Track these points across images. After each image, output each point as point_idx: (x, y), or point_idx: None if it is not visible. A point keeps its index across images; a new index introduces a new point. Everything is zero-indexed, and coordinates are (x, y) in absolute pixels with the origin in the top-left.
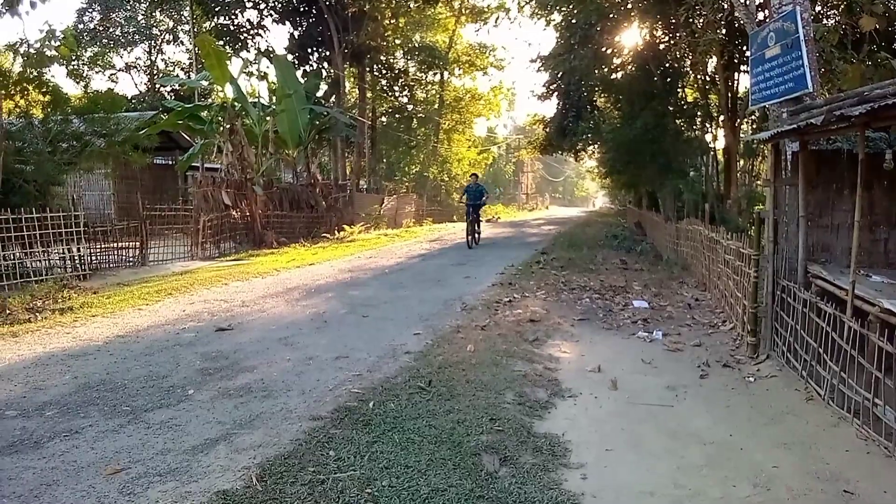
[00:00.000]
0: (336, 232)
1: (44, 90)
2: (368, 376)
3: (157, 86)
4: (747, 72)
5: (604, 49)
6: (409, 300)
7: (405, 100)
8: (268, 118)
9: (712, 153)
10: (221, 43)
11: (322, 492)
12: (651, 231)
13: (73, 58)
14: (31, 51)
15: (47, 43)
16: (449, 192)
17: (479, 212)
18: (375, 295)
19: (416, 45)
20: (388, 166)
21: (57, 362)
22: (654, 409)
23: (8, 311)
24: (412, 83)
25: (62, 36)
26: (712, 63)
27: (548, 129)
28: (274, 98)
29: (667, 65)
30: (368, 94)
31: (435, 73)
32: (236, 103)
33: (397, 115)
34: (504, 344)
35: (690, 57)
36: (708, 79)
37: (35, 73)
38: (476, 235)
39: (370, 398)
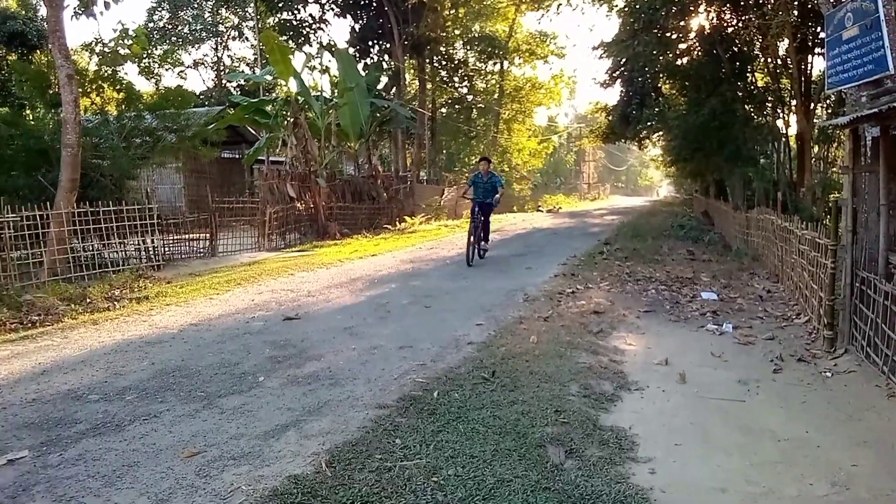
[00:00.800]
0: (397, 223)
1: (118, 87)
2: (432, 366)
3: (224, 81)
4: (822, 54)
5: (669, 34)
6: (470, 291)
7: (465, 90)
8: (330, 111)
9: (784, 139)
10: (285, 38)
11: (389, 479)
12: (719, 221)
13: (145, 55)
14: (106, 50)
15: (121, 42)
16: (509, 183)
17: (488, 214)
18: (437, 285)
19: (476, 34)
20: (448, 157)
21: (135, 349)
22: (724, 404)
23: (88, 300)
24: (472, 73)
25: (134, 35)
26: (784, 46)
27: (610, 117)
28: (336, 91)
29: (735, 49)
30: (428, 86)
31: (495, 63)
32: (300, 97)
33: (457, 106)
34: (568, 335)
35: (761, 40)
36: (779, 62)
37: (110, 71)
38: (480, 247)
39: (434, 388)
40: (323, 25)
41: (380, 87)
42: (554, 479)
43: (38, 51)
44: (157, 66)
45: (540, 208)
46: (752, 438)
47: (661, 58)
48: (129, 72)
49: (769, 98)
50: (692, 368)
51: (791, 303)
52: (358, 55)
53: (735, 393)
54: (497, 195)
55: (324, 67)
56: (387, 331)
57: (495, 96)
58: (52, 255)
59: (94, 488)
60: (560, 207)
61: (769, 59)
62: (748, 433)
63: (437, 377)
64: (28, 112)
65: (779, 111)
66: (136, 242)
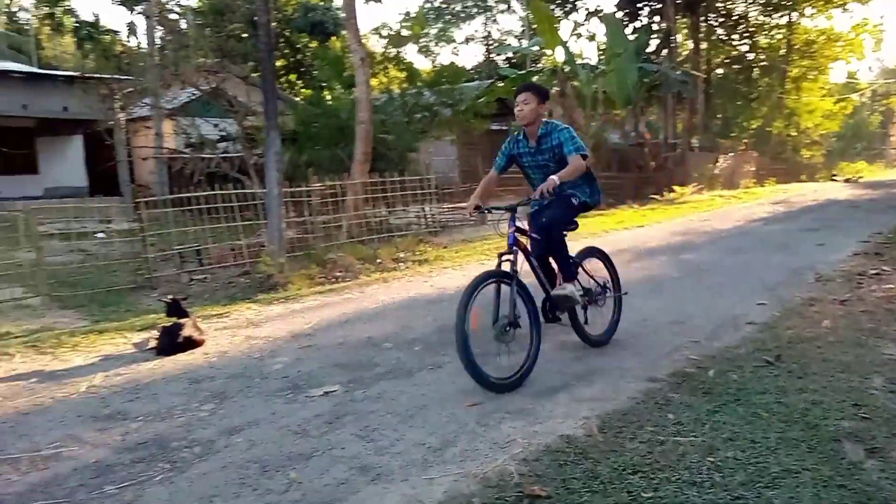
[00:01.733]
0: (665, 193)
1: (401, 67)
2: (706, 344)
3: (492, 55)
4: None
5: None
6: (749, 266)
7: (745, 48)
8: (597, 79)
9: None
10: (552, 7)
11: (662, 452)
12: None
13: (423, 35)
14: (391, 32)
15: (404, 24)
16: (797, 149)
17: (560, 238)
18: (711, 259)
19: None
20: (724, 122)
21: (420, 306)
22: None
23: (378, 261)
24: (753, 29)
25: (415, 16)
26: None
27: None
28: (602, 58)
29: None
30: (702, 46)
31: (781, 16)
32: (566, 66)
33: (735, 66)
34: (870, 322)
35: None
36: None
37: (394, 53)
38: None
39: (709, 366)
40: None
41: (649, 50)
42: (850, 477)
43: (333, 37)
44: (433, 44)
45: (835, 177)
46: None
47: None
48: (409, 51)
49: None
50: None
51: None
52: (626, 19)
53: None
54: (572, 168)
55: (590, 34)
56: (657, 304)
57: (781, 52)
58: (348, 220)
59: (392, 424)
60: (861, 176)
61: None
62: None
63: (713, 356)
64: (326, 93)
65: None
66: (417, 210)
